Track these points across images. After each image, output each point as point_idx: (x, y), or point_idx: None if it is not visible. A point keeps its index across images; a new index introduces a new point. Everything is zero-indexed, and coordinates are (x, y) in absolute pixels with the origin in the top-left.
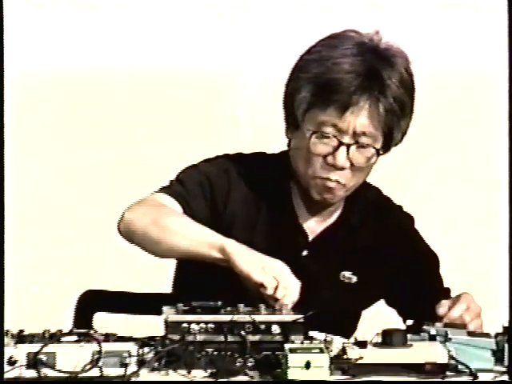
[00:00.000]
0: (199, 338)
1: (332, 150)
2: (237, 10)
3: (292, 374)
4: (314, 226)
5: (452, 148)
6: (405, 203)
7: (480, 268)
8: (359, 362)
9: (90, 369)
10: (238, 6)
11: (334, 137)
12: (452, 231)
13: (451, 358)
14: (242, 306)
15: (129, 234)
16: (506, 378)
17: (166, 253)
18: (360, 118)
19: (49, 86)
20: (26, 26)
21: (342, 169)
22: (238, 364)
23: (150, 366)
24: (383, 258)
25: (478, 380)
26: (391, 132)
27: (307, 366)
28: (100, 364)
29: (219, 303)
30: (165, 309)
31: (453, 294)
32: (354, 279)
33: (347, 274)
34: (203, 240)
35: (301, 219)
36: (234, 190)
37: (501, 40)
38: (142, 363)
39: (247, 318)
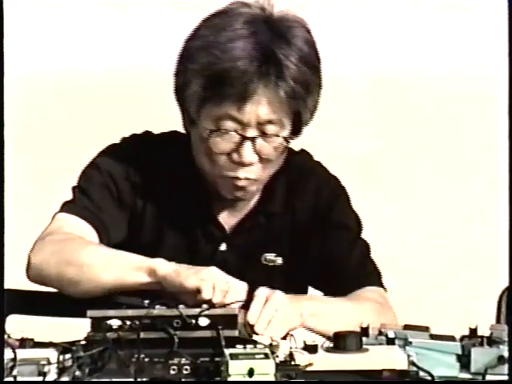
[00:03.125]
0: (123, 335)
1: (235, 146)
2: None
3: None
4: (230, 218)
5: (452, 148)
6: (405, 202)
7: (480, 268)
8: (309, 368)
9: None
10: None
11: (236, 131)
12: (452, 232)
13: (411, 363)
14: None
15: (42, 280)
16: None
17: (87, 292)
18: (261, 108)
19: (48, 84)
20: (22, 26)
21: (250, 165)
22: (172, 372)
23: (70, 375)
24: (306, 239)
25: (478, 380)
26: (299, 115)
27: (250, 373)
28: (14, 373)
29: (146, 302)
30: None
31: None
32: (279, 261)
33: (269, 256)
34: (126, 266)
35: (215, 211)
36: (140, 183)
37: (501, 40)
38: (62, 371)
39: (175, 311)
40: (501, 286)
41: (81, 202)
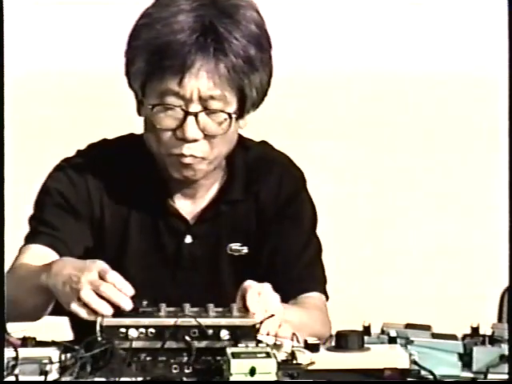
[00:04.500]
0: (137, 344)
1: (179, 122)
2: None
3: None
4: (191, 208)
5: (452, 148)
6: (404, 202)
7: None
8: (310, 367)
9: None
10: None
11: (179, 107)
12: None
13: (413, 362)
14: (187, 307)
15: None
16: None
17: (25, 316)
18: (201, 82)
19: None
20: (22, 26)
21: (195, 141)
22: (174, 371)
23: (72, 374)
24: (264, 230)
25: (478, 380)
26: (242, 91)
27: (252, 372)
28: (16, 372)
29: (144, 303)
30: None
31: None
32: (245, 250)
33: (235, 245)
34: (29, 285)
35: (175, 203)
36: (94, 190)
37: (501, 40)
38: (64, 370)
39: (193, 321)
40: (502, 285)
41: (38, 230)
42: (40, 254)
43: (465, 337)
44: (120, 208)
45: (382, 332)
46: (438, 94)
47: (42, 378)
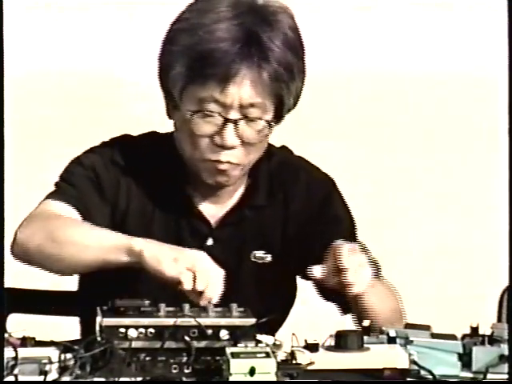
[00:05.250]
0: (137, 344)
1: (218, 128)
2: None
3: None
4: (215, 211)
5: (452, 147)
6: (404, 202)
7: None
8: (310, 367)
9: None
10: None
11: (219, 114)
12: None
13: (413, 362)
14: (186, 307)
15: (24, 255)
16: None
17: (69, 269)
18: (243, 90)
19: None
20: (22, 26)
21: (232, 148)
22: (174, 371)
23: (72, 374)
24: (298, 234)
25: (478, 380)
26: (281, 99)
27: (251, 372)
28: (16, 372)
29: (147, 302)
30: (99, 310)
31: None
32: (269, 258)
33: (259, 253)
34: (107, 245)
35: (199, 205)
36: (123, 181)
37: (501, 40)
38: (64, 370)
39: (192, 321)
40: (502, 284)
41: (65, 190)
42: (66, 212)
43: (464, 337)
44: (145, 205)
45: (382, 332)
46: (438, 94)
47: (41, 378)
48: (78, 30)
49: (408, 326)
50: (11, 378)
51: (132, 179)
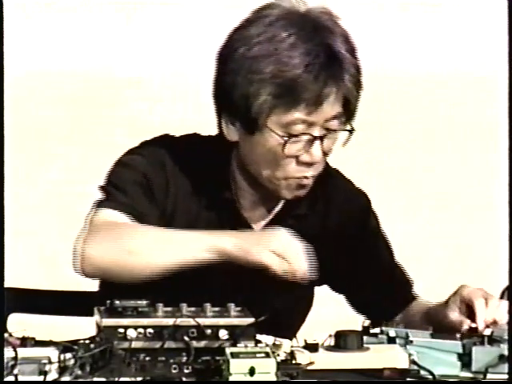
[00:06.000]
0: (136, 344)
1: (304, 146)
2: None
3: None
4: (258, 218)
5: (452, 147)
6: (404, 202)
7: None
8: (310, 367)
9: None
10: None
11: (306, 134)
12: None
13: (412, 362)
14: (184, 307)
15: (98, 271)
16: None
17: (149, 275)
18: (331, 107)
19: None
20: (22, 26)
21: (319, 162)
22: (173, 371)
23: (72, 373)
24: (331, 244)
25: (478, 380)
26: (353, 111)
27: (251, 372)
28: (15, 372)
29: (145, 302)
30: (96, 309)
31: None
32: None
33: None
34: (187, 246)
35: (244, 212)
36: (171, 185)
37: (501, 40)
38: (64, 370)
39: (191, 321)
40: (502, 284)
41: (117, 198)
42: (123, 221)
43: (464, 337)
44: (190, 209)
45: (381, 332)
46: (438, 94)
47: (41, 378)
48: (76, 31)
49: (407, 325)
50: (11, 378)
51: (178, 182)
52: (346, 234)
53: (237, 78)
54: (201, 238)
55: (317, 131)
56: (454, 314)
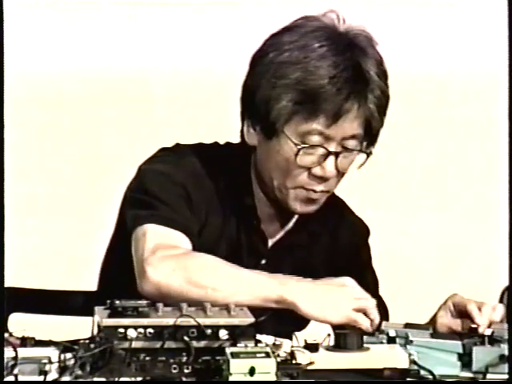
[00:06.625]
0: (136, 344)
1: (318, 159)
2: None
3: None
4: (273, 232)
5: (452, 147)
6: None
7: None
8: (310, 367)
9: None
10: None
11: (320, 146)
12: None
13: (413, 362)
14: (184, 307)
15: (160, 295)
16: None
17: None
18: (351, 124)
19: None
20: (22, 26)
21: (331, 178)
22: (173, 371)
23: (72, 373)
24: (338, 268)
25: (478, 380)
26: (376, 132)
27: (251, 372)
28: (15, 371)
29: (145, 303)
30: (97, 309)
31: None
32: None
33: None
34: (256, 293)
35: (262, 224)
36: (205, 194)
37: (501, 40)
38: (64, 370)
39: (191, 321)
40: (502, 284)
41: (164, 213)
42: (176, 239)
43: (464, 337)
44: (218, 218)
45: (381, 332)
46: (439, 94)
47: (41, 378)
48: (76, 31)
49: (408, 325)
50: (11, 378)
51: (211, 192)
52: (342, 256)
53: (261, 81)
54: (268, 287)
55: (333, 146)
56: (448, 317)
